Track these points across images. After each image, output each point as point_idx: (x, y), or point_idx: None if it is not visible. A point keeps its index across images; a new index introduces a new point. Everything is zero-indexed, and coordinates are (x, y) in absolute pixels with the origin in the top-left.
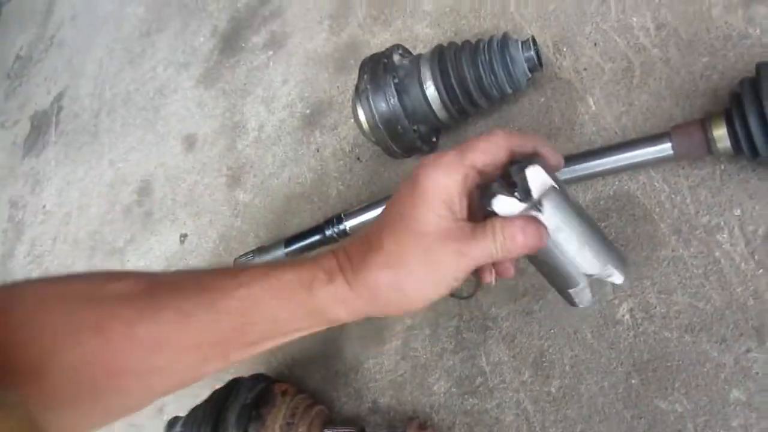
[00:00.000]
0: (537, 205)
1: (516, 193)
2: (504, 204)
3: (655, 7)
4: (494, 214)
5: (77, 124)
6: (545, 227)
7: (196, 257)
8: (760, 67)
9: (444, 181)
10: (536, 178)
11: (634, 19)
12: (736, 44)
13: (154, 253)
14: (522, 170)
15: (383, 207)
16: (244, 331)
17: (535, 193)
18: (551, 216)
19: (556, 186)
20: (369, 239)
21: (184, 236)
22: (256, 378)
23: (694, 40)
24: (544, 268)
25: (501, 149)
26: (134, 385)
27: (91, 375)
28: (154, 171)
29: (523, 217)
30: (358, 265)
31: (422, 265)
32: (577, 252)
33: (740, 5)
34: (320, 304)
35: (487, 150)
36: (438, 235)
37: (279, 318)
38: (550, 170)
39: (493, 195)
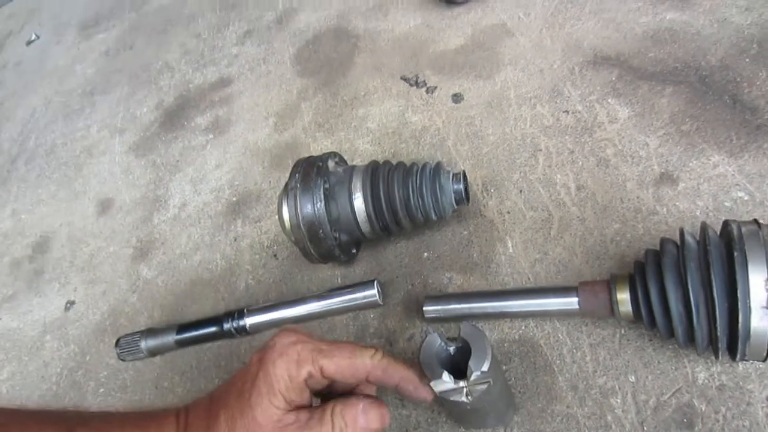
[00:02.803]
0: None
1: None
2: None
3: (578, 169)
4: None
5: None
6: (387, 409)
7: (78, 328)
8: (663, 242)
9: (290, 374)
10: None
11: (558, 176)
12: (645, 218)
13: (32, 315)
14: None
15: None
16: None
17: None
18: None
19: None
20: (209, 412)
21: (71, 303)
22: None
23: (609, 207)
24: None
25: (358, 373)
26: None
27: None
28: (57, 228)
29: (363, 398)
30: None
31: None
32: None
33: (651, 184)
34: None
35: (344, 369)
36: (272, 426)
37: None
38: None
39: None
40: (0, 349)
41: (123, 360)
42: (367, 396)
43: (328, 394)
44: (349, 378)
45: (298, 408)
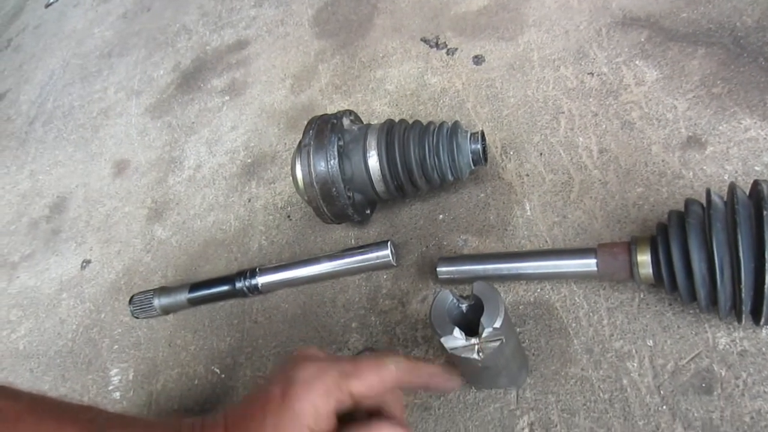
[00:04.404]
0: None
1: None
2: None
3: (601, 132)
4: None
5: (7, 127)
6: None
7: (94, 287)
8: (688, 202)
9: (317, 409)
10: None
11: (581, 139)
12: (670, 182)
13: (49, 274)
14: None
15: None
16: None
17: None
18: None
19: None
20: None
21: (86, 262)
22: None
23: (632, 170)
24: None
25: (387, 385)
26: None
27: None
28: (74, 189)
29: (385, 422)
30: None
31: None
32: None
33: (678, 148)
34: None
35: (374, 386)
36: None
37: None
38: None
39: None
40: (18, 306)
41: (136, 317)
42: (388, 419)
43: (351, 414)
44: (379, 392)
45: None
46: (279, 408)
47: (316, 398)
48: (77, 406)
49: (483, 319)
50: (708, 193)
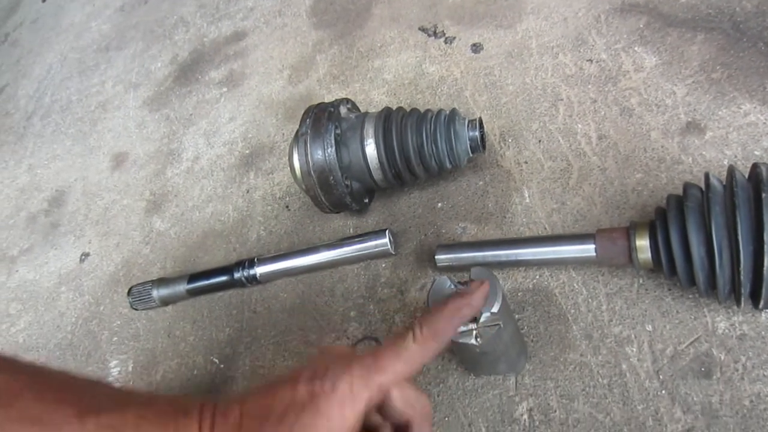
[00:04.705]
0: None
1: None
2: None
3: (600, 119)
4: None
5: (5, 122)
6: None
7: (92, 279)
8: (687, 186)
9: (345, 413)
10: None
11: (579, 126)
12: (669, 167)
13: (48, 267)
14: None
15: (294, 257)
16: None
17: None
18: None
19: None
20: (240, 427)
21: (85, 255)
22: None
23: (631, 156)
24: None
25: (414, 364)
26: None
27: None
28: (72, 183)
29: None
30: None
31: None
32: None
33: (677, 133)
34: None
35: (397, 371)
36: None
37: None
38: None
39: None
40: (17, 299)
41: (135, 309)
42: None
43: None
44: (406, 375)
45: None
46: (303, 405)
47: (344, 400)
48: (80, 381)
49: None
50: (707, 176)
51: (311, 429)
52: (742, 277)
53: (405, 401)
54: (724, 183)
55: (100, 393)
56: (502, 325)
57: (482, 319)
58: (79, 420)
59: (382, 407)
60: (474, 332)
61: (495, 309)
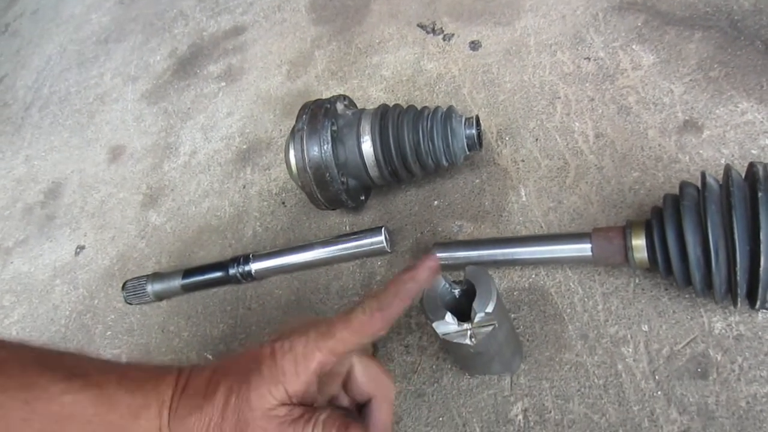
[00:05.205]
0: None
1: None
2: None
3: (597, 117)
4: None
5: (3, 113)
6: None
7: (87, 273)
8: (683, 185)
9: (297, 368)
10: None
11: (577, 124)
12: (666, 166)
13: (43, 260)
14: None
15: (290, 254)
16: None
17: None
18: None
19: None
20: (210, 380)
21: (81, 248)
22: None
23: (628, 155)
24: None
25: (366, 332)
26: None
27: None
28: (69, 175)
29: (349, 417)
30: (183, 413)
31: None
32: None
33: (674, 132)
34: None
35: (345, 338)
36: (262, 413)
37: (90, 431)
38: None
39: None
40: (11, 291)
41: (130, 303)
42: (355, 418)
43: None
44: (355, 344)
45: (295, 405)
46: (264, 357)
47: (297, 356)
48: (60, 353)
49: (475, 304)
50: (703, 175)
51: (268, 379)
52: (738, 277)
53: (368, 377)
54: (721, 182)
55: (84, 360)
56: (497, 325)
57: (477, 319)
58: (66, 381)
59: (346, 383)
60: (469, 332)
61: (489, 309)
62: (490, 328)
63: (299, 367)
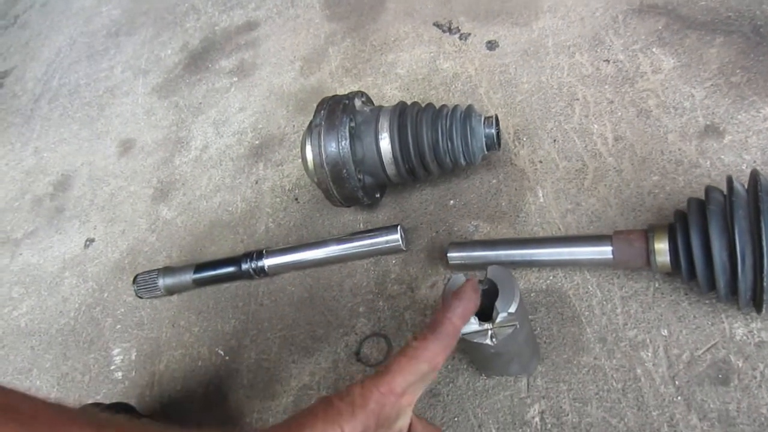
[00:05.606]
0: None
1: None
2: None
3: (616, 120)
4: None
5: (12, 104)
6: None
7: (97, 266)
8: (708, 189)
9: (355, 415)
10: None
11: (595, 126)
12: (687, 171)
13: (52, 252)
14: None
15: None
16: None
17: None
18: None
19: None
20: None
21: (90, 241)
22: (116, 406)
23: (648, 158)
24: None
25: (422, 360)
26: None
27: None
28: (79, 167)
29: None
30: None
31: None
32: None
33: (695, 136)
34: None
35: (406, 367)
36: None
37: None
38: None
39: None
40: (20, 283)
41: (140, 297)
42: None
43: None
44: (422, 374)
45: None
46: (321, 406)
47: (356, 397)
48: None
49: (497, 304)
50: (729, 179)
51: (322, 419)
52: (765, 284)
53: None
54: (747, 187)
55: (116, 418)
56: (518, 326)
57: (499, 319)
58: (98, 430)
59: None
60: (489, 332)
61: (512, 309)
62: (512, 328)
63: (356, 408)
